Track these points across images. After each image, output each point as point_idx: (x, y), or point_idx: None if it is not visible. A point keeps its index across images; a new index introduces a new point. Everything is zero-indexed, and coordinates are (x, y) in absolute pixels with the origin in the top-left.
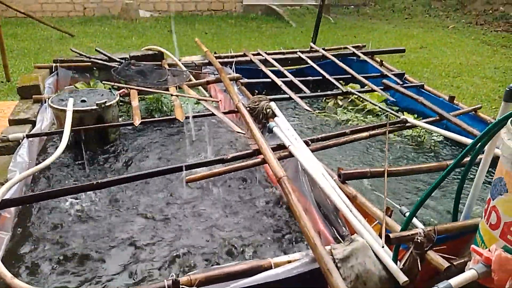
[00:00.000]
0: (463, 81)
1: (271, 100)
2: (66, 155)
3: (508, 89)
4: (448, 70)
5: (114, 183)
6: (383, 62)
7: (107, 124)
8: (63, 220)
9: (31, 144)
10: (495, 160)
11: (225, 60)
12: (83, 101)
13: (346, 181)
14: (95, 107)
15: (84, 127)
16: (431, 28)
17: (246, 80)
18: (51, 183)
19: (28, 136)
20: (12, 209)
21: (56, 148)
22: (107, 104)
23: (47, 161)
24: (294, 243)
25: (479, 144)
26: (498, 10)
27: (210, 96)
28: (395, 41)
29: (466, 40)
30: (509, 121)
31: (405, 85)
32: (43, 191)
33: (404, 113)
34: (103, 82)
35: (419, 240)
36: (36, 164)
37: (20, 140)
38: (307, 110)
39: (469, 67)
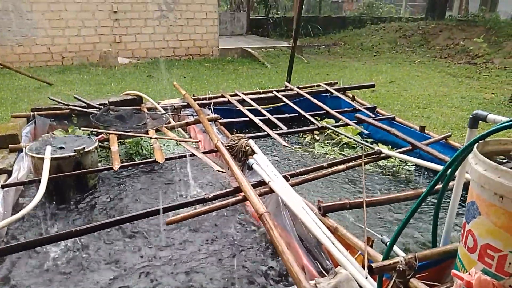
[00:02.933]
0: (432, 112)
1: (249, 138)
2: (44, 204)
3: (471, 116)
4: (418, 101)
5: (92, 230)
6: (355, 97)
7: (85, 170)
8: (39, 270)
9: (7, 195)
10: (467, 185)
11: (204, 101)
12: (61, 148)
13: (327, 214)
14: (73, 153)
15: (62, 174)
16: (398, 63)
17: (224, 120)
18: (28, 233)
19: (3, 186)
20: None
21: (33, 197)
22: (85, 150)
23: (24, 211)
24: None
25: (450, 170)
26: (459, 44)
27: (190, 137)
28: (366, 77)
29: (433, 73)
30: (475, 146)
31: (377, 118)
32: (19, 243)
33: (379, 144)
34: (82, 128)
35: (401, 269)
36: (12, 215)
37: None
38: (285, 146)
39: (438, 98)
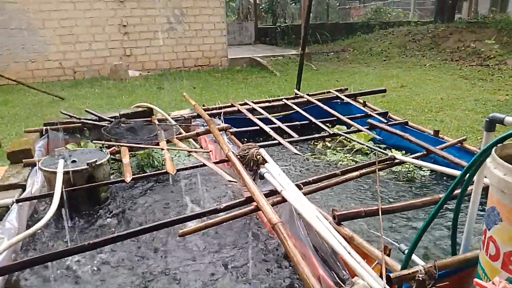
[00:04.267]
0: (446, 115)
1: (260, 147)
2: (57, 218)
3: (487, 119)
4: (430, 105)
5: (105, 243)
6: (366, 103)
7: (97, 183)
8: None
9: (21, 209)
10: (486, 190)
11: (214, 111)
12: (74, 161)
13: (342, 222)
14: (85, 166)
15: (74, 187)
16: (409, 67)
17: (235, 129)
18: (42, 247)
19: (17, 201)
20: (0, 278)
21: (47, 211)
22: (97, 163)
23: (37, 225)
24: None
25: (468, 175)
26: (469, 46)
27: (201, 147)
28: (376, 82)
29: (444, 76)
30: (493, 149)
31: (389, 123)
32: (33, 257)
33: (392, 150)
34: (94, 141)
35: (420, 278)
36: (26, 229)
37: (9, 206)
38: (296, 154)
39: (450, 101)
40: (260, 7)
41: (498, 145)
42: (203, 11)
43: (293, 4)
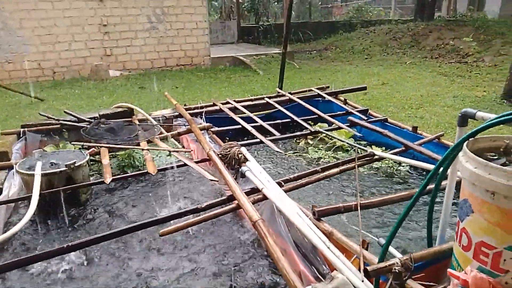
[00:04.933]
0: (425, 112)
1: (242, 145)
2: (35, 221)
3: (460, 115)
4: (411, 102)
5: (86, 244)
6: (347, 101)
7: (77, 185)
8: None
9: None
10: (460, 183)
11: (195, 111)
12: (52, 163)
13: (321, 218)
14: (64, 168)
15: (53, 190)
16: (390, 65)
17: (216, 129)
18: (20, 251)
19: None
20: None
21: (24, 214)
22: (76, 164)
23: (15, 229)
24: None
25: (441, 169)
26: (448, 44)
27: (183, 147)
28: (358, 80)
29: (424, 73)
30: (465, 144)
31: (370, 120)
32: (10, 261)
33: (372, 146)
34: (73, 142)
35: (397, 270)
36: (3, 233)
37: None
38: (278, 152)
39: (430, 98)
40: (243, 6)
41: (470, 139)
42: (185, 10)
43: (276, 3)
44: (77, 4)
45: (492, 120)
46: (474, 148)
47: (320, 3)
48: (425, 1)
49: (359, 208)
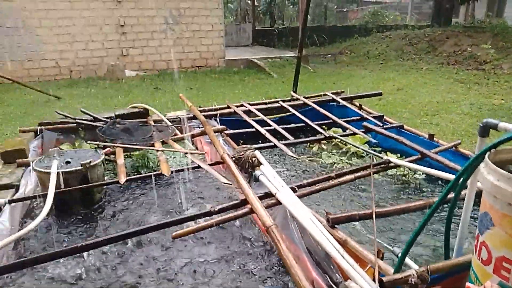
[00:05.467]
0: (441, 119)
1: (256, 149)
2: (50, 218)
3: (481, 125)
4: (426, 109)
5: (99, 245)
6: (362, 106)
7: (91, 184)
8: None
9: (13, 210)
10: (479, 194)
11: (210, 113)
12: (68, 162)
13: (335, 226)
14: (79, 167)
15: (68, 188)
16: (405, 70)
17: (230, 131)
18: (36, 248)
19: (10, 202)
20: None
21: (40, 212)
22: (91, 163)
23: (30, 226)
24: None
25: (461, 179)
26: (466, 50)
27: (197, 148)
28: (373, 85)
29: (440, 79)
30: (487, 155)
31: (385, 126)
32: (27, 258)
33: (387, 153)
34: (88, 142)
35: (413, 282)
36: (19, 230)
37: (2, 206)
38: (292, 156)
39: (446, 105)
40: (258, 9)
41: (492, 150)
42: (201, 12)
43: (291, 6)
44: (95, 5)
45: None
46: (495, 159)
47: (335, 7)
48: (442, 6)
49: (374, 216)
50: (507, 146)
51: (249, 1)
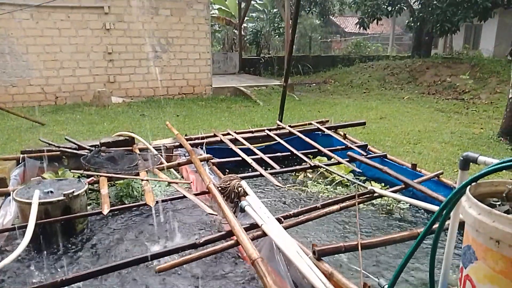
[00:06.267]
0: (423, 147)
1: (242, 178)
2: (29, 250)
3: (462, 158)
4: (409, 137)
5: (79, 279)
6: (346, 135)
7: (73, 215)
8: None
9: None
10: (462, 224)
11: (196, 141)
12: (50, 192)
13: (322, 258)
14: (62, 197)
15: (49, 219)
16: (388, 100)
17: (217, 160)
18: (12, 284)
19: None
20: None
21: (18, 244)
22: (74, 193)
23: (8, 259)
24: None
25: (445, 211)
26: (445, 81)
27: (182, 177)
28: (356, 113)
29: (422, 108)
30: (468, 188)
31: (369, 155)
32: None
33: (372, 182)
34: (72, 170)
35: None
36: None
37: None
38: (278, 186)
39: (428, 134)
40: (245, 38)
41: (472, 184)
42: (189, 41)
43: (277, 36)
44: (84, 32)
45: (494, 165)
46: (476, 193)
47: (320, 37)
48: (422, 38)
49: (360, 248)
50: (487, 179)
51: (236, 31)
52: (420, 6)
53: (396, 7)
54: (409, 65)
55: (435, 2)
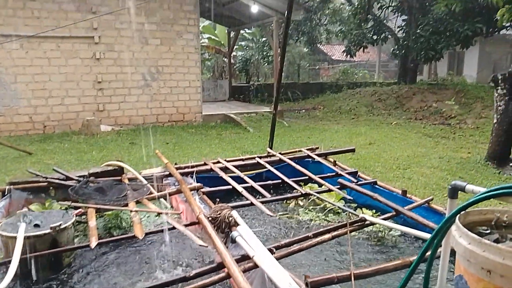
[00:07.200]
0: (413, 172)
1: (233, 207)
2: (13, 285)
3: (450, 187)
4: (398, 162)
5: None
6: (336, 162)
7: (60, 249)
8: None
9: None
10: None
11: (186, 170)
12: (36, 225)
13: None
14: (48, 231)
15: (35, 254)
16: (376, 125)
17: (207, 189)
18: None
19: None
20: None
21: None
22: (61, 226)
23: None
24: None
25: (436, 240)
26: (431, 106)
27: (172, 207)
28: (345, 139)
29: (409, 134)
30: (457, 218)
31: (359, 182)
32: None
33: (363, 209)
34: (59, 202)
35: None
36: None
37: None
38: (269, 215)
39: (417, 159)
40: (235, 66)
41: (462, 212)
42: (179, 70)
43: (266, 64)
44: (73, 62)
45: (482, 194)
46: (465, 221)
47: (308, 65)
48: (407, 65)
49: (352, 278)
50: (476, 208)
51: (225, 59)
52: (404, 35)
53: (381, 36)
54: (395, 91)
55: (418, 31)
